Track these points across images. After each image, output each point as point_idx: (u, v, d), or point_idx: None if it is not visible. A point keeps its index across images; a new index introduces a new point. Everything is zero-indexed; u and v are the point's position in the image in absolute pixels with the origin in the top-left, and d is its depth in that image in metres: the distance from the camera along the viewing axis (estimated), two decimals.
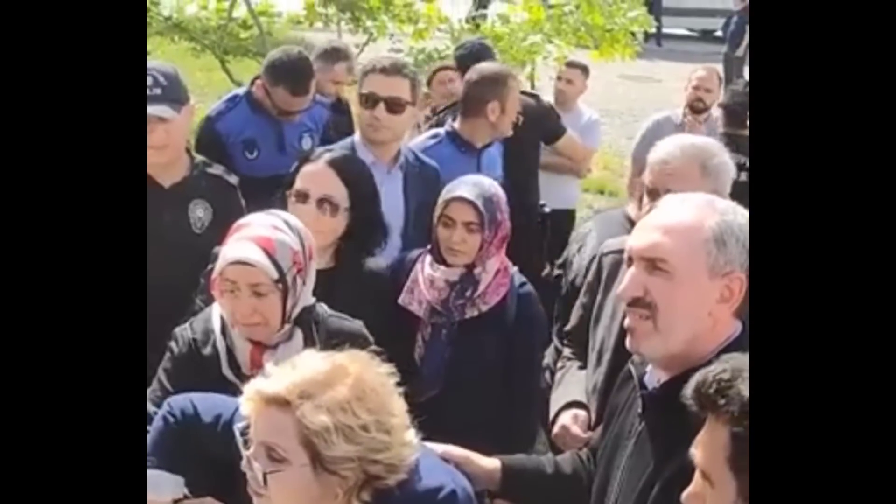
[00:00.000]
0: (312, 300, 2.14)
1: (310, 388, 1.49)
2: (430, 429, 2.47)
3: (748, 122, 4.43)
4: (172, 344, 2.11)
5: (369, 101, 3.05)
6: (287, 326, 2.05)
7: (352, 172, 2.55)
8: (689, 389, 1.36)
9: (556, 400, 2.43)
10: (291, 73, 3.53)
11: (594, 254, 2.73)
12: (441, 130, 3.56)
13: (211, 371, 2.03)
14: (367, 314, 2.43)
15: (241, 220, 2.09)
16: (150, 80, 2.65)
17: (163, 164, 2.74)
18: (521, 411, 2.56)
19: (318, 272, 2.44)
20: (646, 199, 2.33)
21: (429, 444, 1.84)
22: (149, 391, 2.08)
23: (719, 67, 6.43)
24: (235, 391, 1.85)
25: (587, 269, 2.56)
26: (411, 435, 1.58)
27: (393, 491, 1.52)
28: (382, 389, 1.55)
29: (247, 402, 1.53)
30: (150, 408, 2.00)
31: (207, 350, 2.06)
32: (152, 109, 2.63)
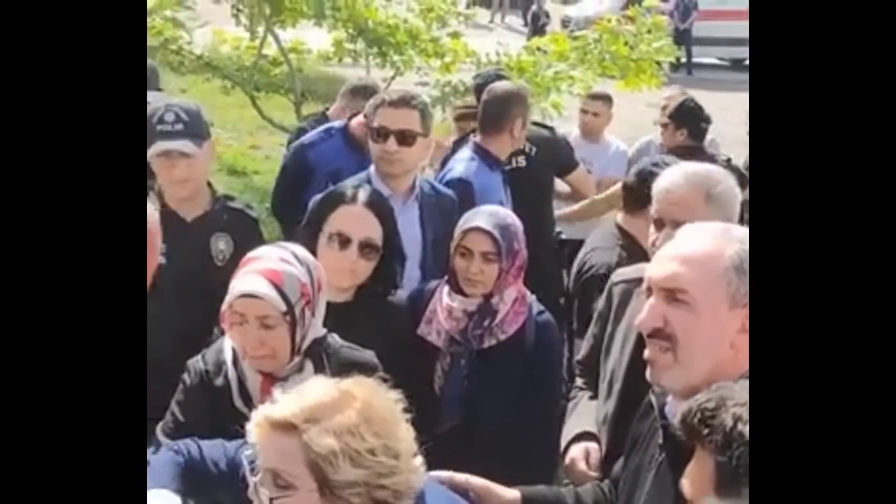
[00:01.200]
0: (323, 331, 2.15)
1: (316, 413, 1.49)
2: (450, 458, 2.49)
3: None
4: (185, 375, 2.13)
5: (380, 134, 3.07)
6: (297, 358, 2.07)
7: (384, 210, 2.58)
8: (676, 419, 1.35)
9: (568, 430, 2.41)
10: None
11: (581, 262, 2.74)
12: (470, 152, 3.64)
13: (222, 402, 2.05)
14: (385, 345, 2.45)
15: (252, 253, 2.11)
16: (172, 117, 2.72)
17: (185, 198, 2.80)
18: (541, 440, 2.55)
19: (337, 305, 2.47)
20: (652, 229, 2.33)
21: (447, 474, 1.84)
22: (161, 423, 2.10)
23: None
24: (246, 422, 1.89)
25: (577, 285, 2.54)
26: (419, 461, 1.57)
27: None
28: (390, 415, 1.55)
29: (254, 429, 1.54)
30: (163, 439, 2.02)
31: (219, 381, 2.08)
32: (175, 144, 2.70)
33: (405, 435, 1.55)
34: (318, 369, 2.07)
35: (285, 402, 1.52)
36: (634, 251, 2.98)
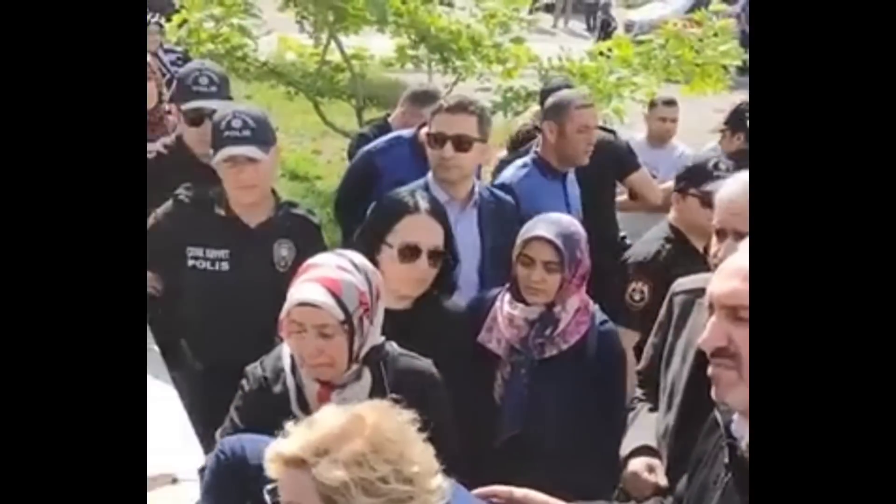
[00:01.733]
0: (381, 339, 2.14)
1: (324, 445, 1.47)
2: (509, 469, 2.46)
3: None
4: (244, 382, 2.14)
5: (437, 140, 3.05)
6: (355, 366, 2.06)
7: (445, 218, 2.57)
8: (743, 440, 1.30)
9: (627, 443, 2.36)
10: None
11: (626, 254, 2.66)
12: (527, 158, 3.60)
13: (281, 409, 2.01)
14: (445, 354, 2.43)
15: (310, 261, 2.10)
16: (239, 123, 2.75)
17: (250, 204, 2.82)
18: (604, 451, 2.50)
19: (396, 313, 2.45)
20: (714, 240, 2.28)
21: (491, 488, 1.80)
22: (220, 429, 2.11)
23: None
24: None
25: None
26: (438, 481, 1.52)
27: None
28: (401, 437, 1.51)
29: (270, 465, 1.53)
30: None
31: (278, 388, 2.08)
32: (242, 150, 2.72)
33: (420, 456, 1.51)
34: (376, 377, 2.07)
35: (295, 437, 1.51)
36: (682, 247, 3.06)
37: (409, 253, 2.46)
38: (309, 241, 2.84)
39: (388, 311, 2.48)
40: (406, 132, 3.87)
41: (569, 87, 4.69)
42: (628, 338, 2.90)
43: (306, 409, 2.01)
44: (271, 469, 1.52)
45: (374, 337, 2.11)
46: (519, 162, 3.65)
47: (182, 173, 3.02)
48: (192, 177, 2.96)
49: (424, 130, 3.67)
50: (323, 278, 2.01)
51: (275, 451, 1.51)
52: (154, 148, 3.26)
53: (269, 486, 1.55)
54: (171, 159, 3.21)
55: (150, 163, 3.15)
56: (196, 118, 3.16)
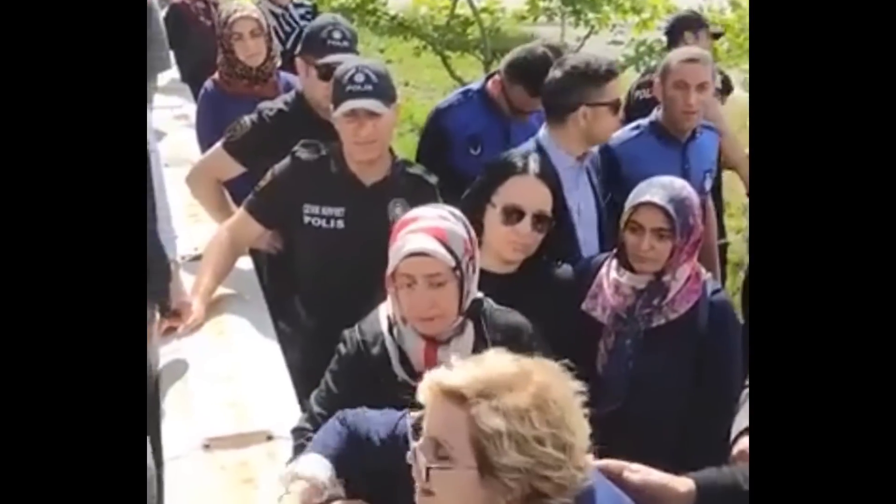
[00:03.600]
0: (480, 294, 2.12)
1: (490, 388, 1.42)
2: (612, 444, 2.39)
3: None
4: (340, 346, 2.13)
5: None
6: (459, 319, 2.04)
7: (555, 181, 2.52)
8: None
9: (739, 422, 2.26)
10: (532, 72, 3.41)
11: None
12: (644, 121, 3.43)
13: (381, 371, 2.03)
14: (547, 321, 2.38)
15: (408, 215, 2.09)
16: (362, 77, 2.71)
17: (368, 161, 2.81)
18: (712, 429, 2.39)
19: (500, 277, 2.42)
20: None
21: (619, 464, 1.75)
22: (315, 393, 2.11)
23: None
24: (408, 390, 1.85)
25: None
26: (588, 459, 1.48)
27: None
28: (566, 404, 1.45)
29: (425, 392, 1.49)
30: (316, 409, 2.04)
31: (376, 350, 2.07)
32: (364, 103, 2.69)
33: (579, 428, 1.45)
34: (478, 331, 2.05)
35: (460, 370, 1.46)
36: None
37: (513, 214, 2.42)
38: (424, 201, 2.81)
39: (491, 275, 2.46)
40: (474, 85, 3.76)
41: None
42: None
43: (409, 370, 2.02)
44: (424, 396, 1.49)
45: (475, 288, 2.09)
46: (633, 124, 3.44)
47: (302, 130, 3.03)
48: (312, 133, 2.96)
49: (493, 81, 3.59)
50: (428, 228, 2.00)
51: (435, 380, 1.47)
52: (275, 105, 3.30)
53: (414, 415, 1.52)
54: (292, 116, 3.23)
55: (272, 119, 3.21)
56: (328, 73, 3.17)
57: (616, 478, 1.77)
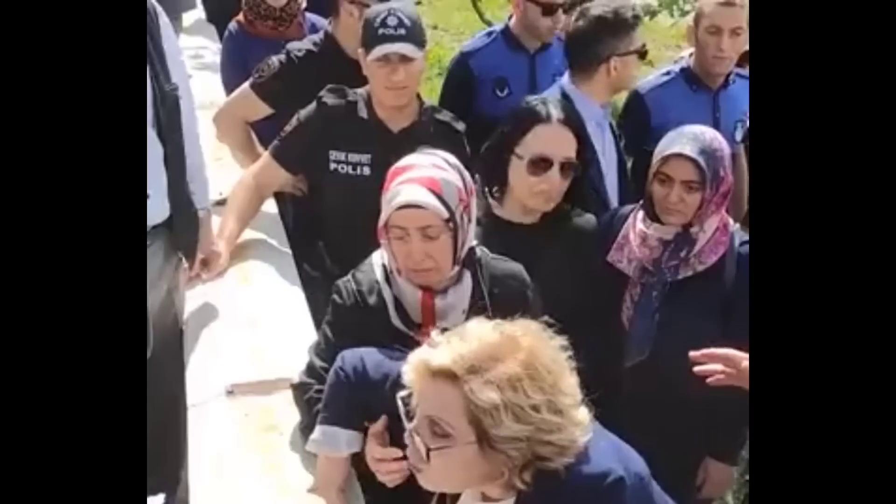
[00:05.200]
0: (475, 241, 2.08)
1: (479, 362, 1.41)
2: (635, 397, 2.38)
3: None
4: (335, 297, 2.08)
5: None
6: (455, 268, 2.01)
7: (581, 128, 2.46)
8: None
9: None
10: None
11: None
12: (675, 67, 3.35)
13: (378, 321, 1.99)
14: (573, 271, 2.36)
15: (401, 163, 2.03)
16: (394, 21, 2.67)
17: (394, 108, 2.77)
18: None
19: (524, 227, 2.39)
20: None
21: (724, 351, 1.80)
22: (312, 345, 2.09)
23: None
24: (406, 341, 1.87)
25: None
26: (583, 414, 1.47)
27: (556, 473, 1.43)
28: (555, 366, 1.45)
29: (411, 373, 1.48)
30: (317, 362, 2.02)
31: (373, 299, 2.03)
32: (397, 47, 2.65)
33: (570, 387, 1.45)
34: (475, 280, 2.02)
35: (445, 348, 1.45)
36: None
37: (541, 164, 2.38)
38: (452, 148, 2.76)
39: (513, 225, 2.44)
40: (497, 25, 3.68)
41: None
42: None
43: (406, 320, 2.00)
44: (411, 376, 1.48)
45: (471, 237, 2.05)
46: (664, 69, 3.37)
47: (332, 71, 2.99)
48: (341, 75, 2.91)
49: (515, 19, 3.50)
50: (421, 178, 1.95)
51: (421, 360, 1.46)
52: (304, 46, 3.25)
53: (403, 393, 1.51)
54: (321, 57, 3.19)
55: (301, 60, 3.17)
56: (363, 4, 3.11)
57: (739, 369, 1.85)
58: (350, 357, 1.91)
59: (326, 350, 2.03)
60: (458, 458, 1.43)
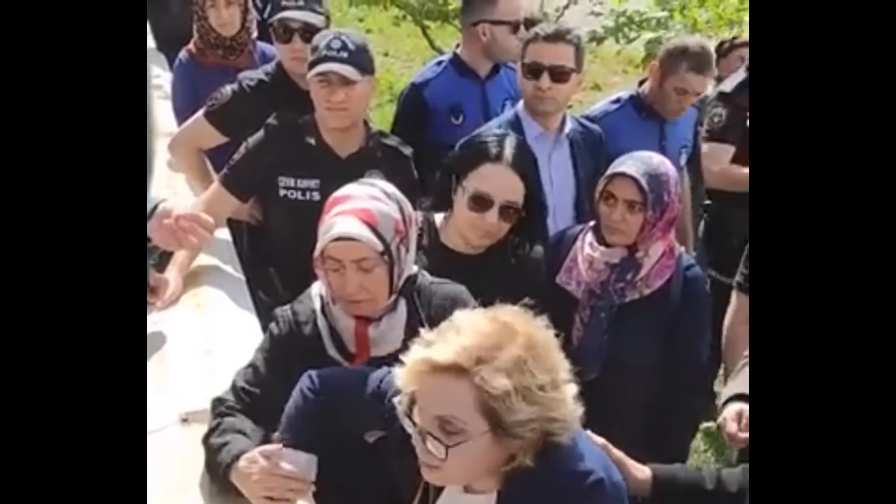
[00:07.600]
0: (415, 269, 2.10)
1: (484, 352, 1.42)
2: (585, 417, 2.41)
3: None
4: (272, 325, 2.08)
5: (532, 70, 2.94)
6: (391, 298, 2.01)
7: (528, 168, 2.45)
8: None
9: (728, 389, 2.25)
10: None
11: None
12: (624, 94, 3.45)
13: (312, 350, 1.99)
14: (520, 296, 2.39)
15: (338, 193, 2.04)
16: (338, 44, 2.71)
17: (341, 130, 2.79)
18: (681, 401, 2.44)
19: (469, 258, 2.41)
20: None
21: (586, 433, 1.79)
22: (241, 370, 2.06)
23: None
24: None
25: None
26: (574, 388, 1.52)
27: (539, 469, 1.47)
28: (550, 344, 1.49)
29: (412, 373, 1.47)
30: (240, 383, 1.99)
31: (308, 329, 2.03)
32: (336, 67, 2.68)
33: (563, 363, 1.51)
34: (411, 307, 2.03)
35: (444, 344, 1.45)
36: None
37: (480, 202, 2.38)
38: (400, 172, 2.81)
39: (460, 255, 2.45)
40: (445, 56, 3.74)
41: None
42: None
43: (341, 348, 2.00)
44: (411, 377, 1.47)
45: (410, 266, 2.06)
46: (613, 96, 3.49)
47: (283, 100, 3.02)
48: (292, 104, 2.94)
49: (463, 46, 3.57)
50: (357, 210, 1.95)
51: (421, 359, 1.46)
52: (255, 75, 3.27)
53: (400, 398, 1.51)
54: (272, 86, 3.21)
55: (253, 89, 3.19)
56: (284, 31, 3.14)
57: None
58: (320, 376, 1.87)
59: (255, 377, 2.00)
60: (475, 450, 1.45)
